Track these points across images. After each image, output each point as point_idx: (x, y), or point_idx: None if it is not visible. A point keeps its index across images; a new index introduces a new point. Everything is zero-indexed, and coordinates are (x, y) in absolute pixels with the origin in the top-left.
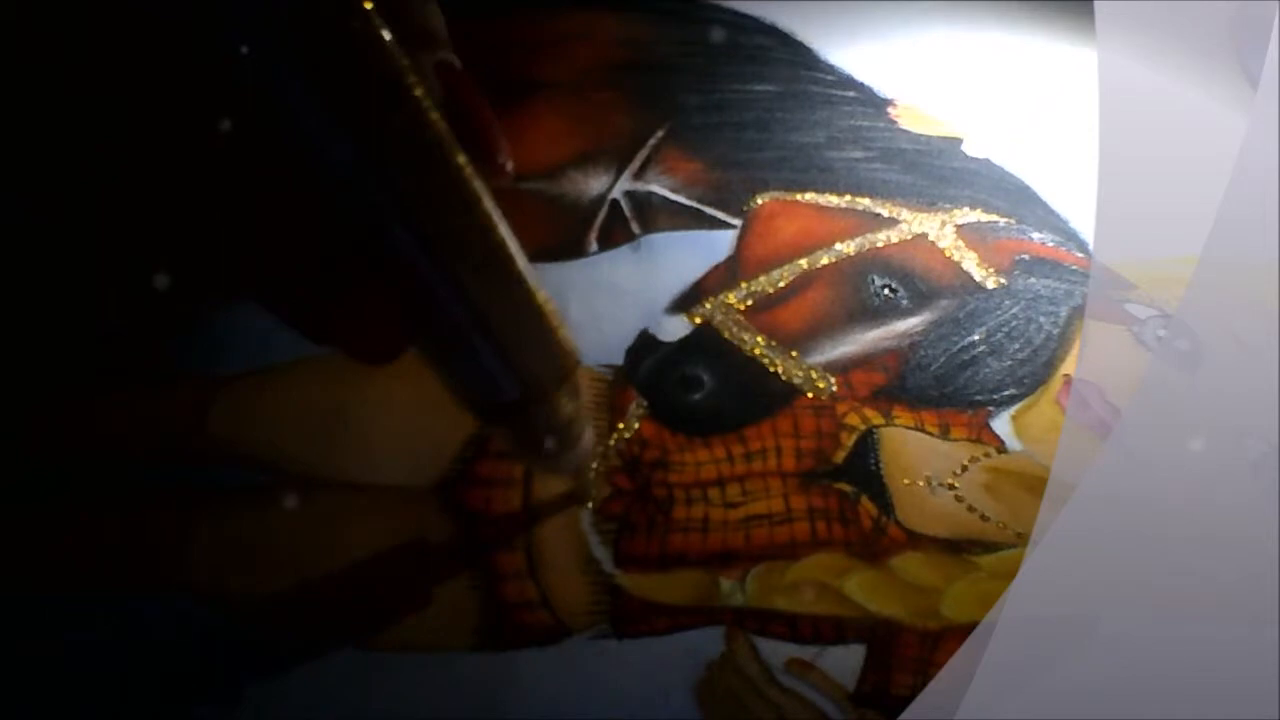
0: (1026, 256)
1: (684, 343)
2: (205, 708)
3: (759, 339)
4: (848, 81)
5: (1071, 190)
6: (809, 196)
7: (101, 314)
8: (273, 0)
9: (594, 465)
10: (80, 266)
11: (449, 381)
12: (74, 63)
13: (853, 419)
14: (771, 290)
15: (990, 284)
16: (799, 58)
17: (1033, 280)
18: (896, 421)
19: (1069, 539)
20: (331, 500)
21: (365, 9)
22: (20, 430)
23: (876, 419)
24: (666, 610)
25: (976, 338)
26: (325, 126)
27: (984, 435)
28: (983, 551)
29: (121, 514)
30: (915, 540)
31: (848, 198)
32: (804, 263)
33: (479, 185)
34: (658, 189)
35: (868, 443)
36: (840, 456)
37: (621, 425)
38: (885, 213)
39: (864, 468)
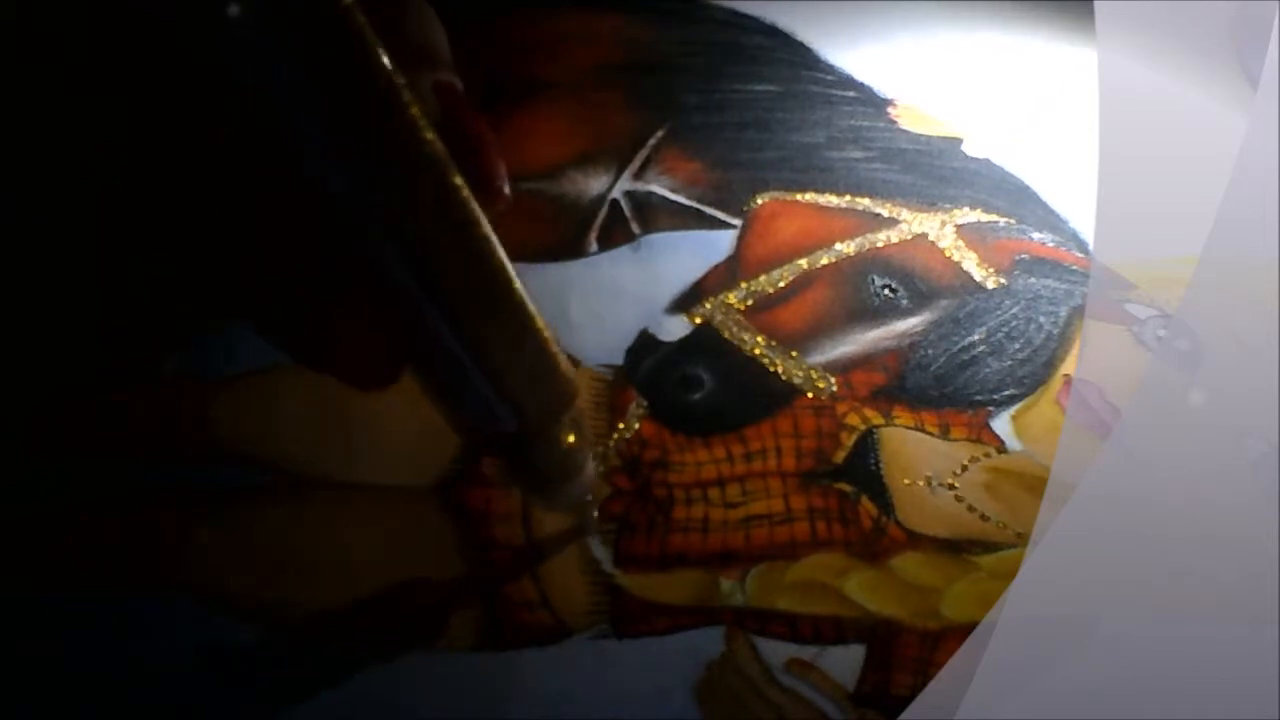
0: (1026, 256)
1: (684, 343)
2: (205, 707)
3: (759, 339)
4: (848, 81)
5: (1071, 190)
6: (809, 196)
7: (101, 314)
8: (266, 21)
9: (592, 499)
10: (80, 266)
11: (444, 410)
12: (74, 63)
13: (853, 419)
14: (771, 290)
15: (990, 284)
16: (799, 58)
17: (1033, 280)
18: (896, 421)
19: (1069, 539)
20: (332, 500)
21: (359, 27)
22: (20, 430)
23: (876, 419)
24: (666, 610)
25: (976, 338)
26: (319, 143)
27: (984, 435)
28: (983, 551)
29: (121, 514)
30: (915, 540)
31: (848, 198)
32: (804, 263)
33: (476, 208)
34: (658, 189)
35: (868, 443)
36: (840, 456)
37: (621, 425)
38: (885, 213)
39: (864, 468)
